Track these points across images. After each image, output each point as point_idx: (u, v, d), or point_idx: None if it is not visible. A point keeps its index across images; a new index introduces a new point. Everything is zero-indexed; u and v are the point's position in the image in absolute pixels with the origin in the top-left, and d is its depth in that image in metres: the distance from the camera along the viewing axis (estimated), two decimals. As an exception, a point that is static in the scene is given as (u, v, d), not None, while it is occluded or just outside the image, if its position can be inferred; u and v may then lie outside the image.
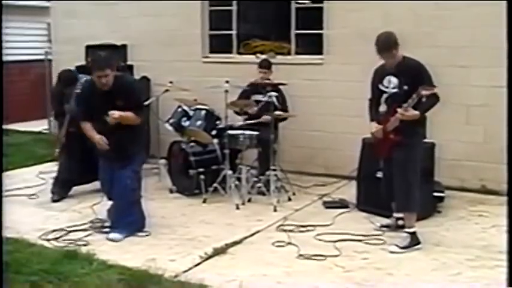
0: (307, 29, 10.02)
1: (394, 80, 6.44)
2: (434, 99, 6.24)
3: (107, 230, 7.01)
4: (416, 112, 6.23)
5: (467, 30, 8.59)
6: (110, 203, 7.24)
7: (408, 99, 6.17)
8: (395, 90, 6.44)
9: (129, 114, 6.70)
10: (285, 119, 8.84)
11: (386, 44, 6.36)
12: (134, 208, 6.99)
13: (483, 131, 8.55)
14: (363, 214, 7.73)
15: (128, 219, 6.93)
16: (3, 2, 15.37)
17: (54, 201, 8.38)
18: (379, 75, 6.61)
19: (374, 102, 6.74)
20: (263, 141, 8.43)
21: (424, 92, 6.06)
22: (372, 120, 6.77)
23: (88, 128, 6.90)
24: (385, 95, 6.55)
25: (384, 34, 6.43)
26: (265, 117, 8.57)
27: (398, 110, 6.25)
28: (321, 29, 9.78)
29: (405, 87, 6.32)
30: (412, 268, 5.99)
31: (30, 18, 16.67)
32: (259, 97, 8.79)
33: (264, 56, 9.99)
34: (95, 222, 7.31)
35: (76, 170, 8.49)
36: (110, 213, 7.17)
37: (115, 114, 6.63)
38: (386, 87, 6.51)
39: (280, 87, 8.77)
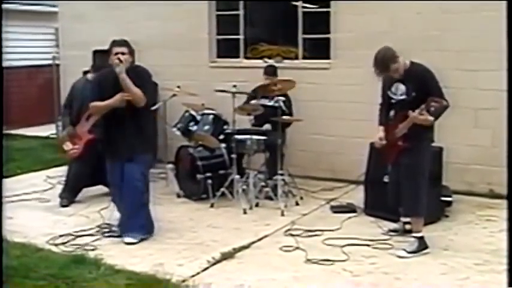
0: (314, 33, 10.03)
1: (401, 87, 6.43)
2: (443, 107, 6.20)
3: (116, 234, 7.03)
4: (431, 118, 6.19)
5: (474, 33, 8.58)
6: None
7: (416, 105, 6.15)
8: (403, 97, 6.43)
9: (136, 88, 6.72)
10: (290, 123, 8.84)
11: (383, 63, 6.32)
12: (144, 211, 7.00)
13: (491, 135, 8.52)
14: (371, 218, 7.71)
15: (139, 221, 6.94)
16: (12, 6, 15.50)
17: (63, 206, 8.39)
18: (388, 82, 6.59)
19: (384, 107, 6.74)
20: (270, 145, 8.43)
21: (433, 104, 6.03)
22: (380, 124, 6.76)
23: (99, 103, 6.88)
24: (393, 101, 6.54)
25: (380, 54, 6.37)
26: (266, 126, 8.66)
27: (411, 113, 6.21)
28: (328, 33, 9.78)
29: (413, 94, 6.31)
30: (420, 272, 5.97)
31: (38, 23, 16.73)
32: (266, 101, 8.79)
33: (271, 61, 10.00)
34: (102, 226, 7.32)
35: (85, 174, 8.50)
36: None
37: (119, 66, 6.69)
38: (395, 94, 6.50)
39: (287, 91, 8.77)
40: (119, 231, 7.05)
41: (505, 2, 5.49)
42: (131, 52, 6.90)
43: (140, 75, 6.91)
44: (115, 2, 11.62)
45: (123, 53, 6.76)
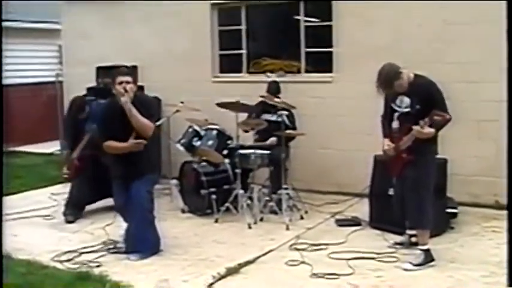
0: (316, 47, 10.04)
1: (406, 100, 6.42)
2: (446, 120, 6.20)
3: (121, 250, 7.02)
4: (432, 130, 6.19)
5: (476, 45, 8.60)
6: (125, 225, 7.24)
7: (420, 118, 6.15)
8: (407, 109, 6.42)
9: (143, 118, 6.69)
10: (293, 137, 8.84)
11: (386, 81, 6.31)
12: (150, 229, 6.99)
13: (495, 146, 8.50)
14: (376, 231, 7.70)
15: (146, 241, 6.93)
16: (16, 24, 15.54)
17: (68, 222, 8.40)
18: (391, 94, 6.59)
19: (386, 119, 6.73)
20: (274, 160, 8.43)
21: (436, 118, 6.03)
22: (385, 136, 6.75)
23: (114, 144, 6.83)
24: (397, 114, 6.54)
25: (383, 71, 6.35)
26: (271, 139, 8.68)
27: (414, 127, 6.22)
28: (331, 47, 9.80)
29: (417, 107, 6.31)
30: (426, 285, 5.96)
31: (41, 41, 16.78)
32: (269, 116, 8.80)
33: (273, 75, 10.01)
34: (107, 243, 7.31)
35: (88, 191, 8.54)
36: (126, 235, 7.17)
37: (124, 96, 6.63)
38: (399, 107, 6.49)
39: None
40: (124, 248, 7.04)
41: (504, 2, 5.49)
42: (135, 81, 6.85)
43: (145, 105, 6.87)
44: (118, 18, 11.68)
45: (127, 82, 6.68)
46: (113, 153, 6.93)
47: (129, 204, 6.89)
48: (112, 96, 6.87)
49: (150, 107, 7.02)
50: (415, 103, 6.34)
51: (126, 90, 6.62)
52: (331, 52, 9.82)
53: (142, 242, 6.91)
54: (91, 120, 8.31)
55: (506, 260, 4.68)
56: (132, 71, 6.95)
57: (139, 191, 6.84)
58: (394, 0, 9.11)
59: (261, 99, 8.93)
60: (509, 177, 5.06)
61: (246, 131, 8.93)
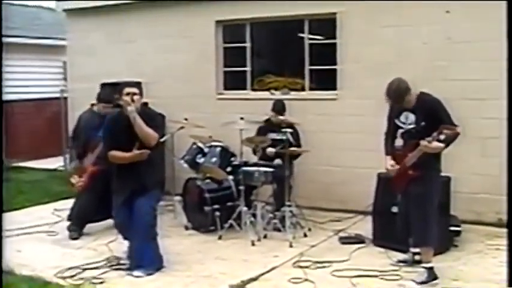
0: (320, 65, 10.07)
1: (411, 117, 6.44)
2: (456, 134, 6.20)
3: (124, 267, 7.00)
4: (441, 144, 6.20)
5: (480, 63, 8.62)
6: (126, 242, 7.24)
7: (425, 134, 6.16)
8: (412, 126, 6.43)
9: (148, 128, 6.75)
10: (298, 155, 8.86)
11: (398, 94, 6.33)
12: (153, 245, 6.99)
13: (499, 164, 8.49)
14: (380, 249, 7.67)
15: (149, 256, 6.93)
16: (21, 40, 15.64)
17: (73, 238, 8.38)
18: (396, 110, 6.60)
19: (390, 136, 6.74)
20: (278, 177, 8.42)
21: (445, 132, 6.03)
22: (387, 154, 6.75)
23: (118, 154, 6.87)
24: (401, 130, 6.55)
25: (393, 84, 6.37)
26: (269, 150, 8.70)
27: (422, 142, 6.22)
28: (335, 64, 9.82)
29: (422, 124, 6.32)
30: (430, 304, 5.94)
31: (46, 57, 16.88)
32: (274, 135, 8.82)
33: (278, 93, 10.04)
34: (110, 259, 7.30)
35: (94, 207, 8.50)
36: (129, 251, 7.16)
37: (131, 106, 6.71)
38: (404, 123, 6.50)
39: (294, 124, 8.80)
40: (127, 264, 7.03)
41: (505, 2, 5.51)
42: (142, 94, 6.93)
43: (151, 117, 6.96)
44: (123, 35, 11.74)
45: (134, 94, 6.80)
46: (118, 168, 6.94)
47: (133, 219, 6.87)
48: (120, 109, 6.95)
49: (155, 119, 7.13)
50: (421, 120, 6.34)
51: (132, 101, 6.72)
52: (335, 70, 9.84)
53: (146, 257, 6.90)
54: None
55: (506, 260, 4.66)
56: (139, 85, 7.02)
57: (143, 206, 6.84)
58: (397, 1, 9.16)
59: (266, 117, 8.97)
60: (509, 194, 5.07)
61: (255, 152, 8.91)
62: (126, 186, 6.91)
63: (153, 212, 6.98)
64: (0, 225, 6.34)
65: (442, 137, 6.08)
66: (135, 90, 6.83)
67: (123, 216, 6.99)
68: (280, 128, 8.58)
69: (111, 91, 9.70)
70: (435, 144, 6.18)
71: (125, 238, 7.23)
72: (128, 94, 6.78)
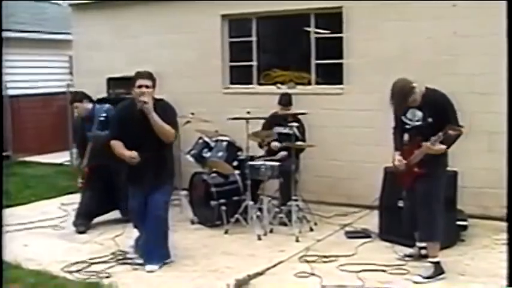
0: (327, 59, 10.05)
1: (418, 113, 6.40)
2: (460, 134, 6.18)
3: (130, 261, 7.02)
4: (443, 146, 6.19)
5: (486, 57, 8.57)
6: (135, 232, 7.25)
7: (432, 130, 6.13)
8: (419, 123, 6.41)
9: (166, 126, 6.71)
10: (303, 149, 8.85)
11: (402, 98, 6.27)
12: (166, 239, 7.02)
13: (505, 158, 8.48)
14: (386, 244, 7.67)
15: (162, 250, 6.96)
16: (26, 35, 15.70)
17: (79, 232, 8.40)
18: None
19: (398, 131, 6.72)
20: (284, 171, 8.42)
21: (451, 132, 6.02)
22: (396, 149, 6.74)
23: (118, 146, 6.81)
24: (408, 126, 6.52)
25: (397, 86, 6.31)
26: (281, 154, 8.72)
27: (424, 144, 6.21)
28: (341, 58, 9.80)
29: (429, 120, 6.29)
30: (436, 298, 5.94)
31: (52, 52, 16.89)
32: (280, 129, 8.81)
33: (284, 87, 10.02)
34: (117, 254, 7.31)
35: (99, 201, 8.55)
36: (138, 243, 7.17)
37: (144, 98, 6.61)
38: (410, 120, 6.47)
39: (300, 117, 8.79)
40: (138, 258, 7.04)
41: (505, 2, 5.48)
42: (155, 86, 6.81)
43: (166, 111, 6.86)
44: (129, 30, 11.74)
45: (147, 86, 6.67)
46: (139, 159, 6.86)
47: (147, 213, 6.88)
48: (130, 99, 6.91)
49: (170, 112, 6.95)
50: (427, 116, 6.32)
51: (143, 93, 6.61)
52: (341, 64, 9.82)
53: (158, 252, 6.93)
54: (97, 124, 8.34)
55: (507, 259, 4.65)
56: (152, 76, 6.82)
57: (158, 201, 6.86)
58: (402, 0, 9.15)
59: (273, 111, 8.97)
60: (509, 189, 5.03)
61: (261, 146, 8.93)
62: (140, 181, 6.87)
63: (166, 206, 7.02)
64: (0, 220, 6.36)
65: (448, 135, 6.06)
66: (147, 82, 6.68)
67: (137, 203, 6.98)
68: (287, 122, 8.57)
69: (117, 86, 9.80)
70: (438, 146, 6.18)
71: (135, 227, 7.24)
72: (140, 86, 6.66)
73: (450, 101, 6.35)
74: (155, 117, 6.61)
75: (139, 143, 6.72)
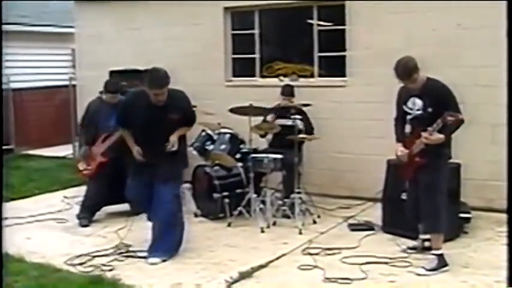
0: (329, 51, 10.03)
1: (418, 102, 6.40)
2: (459, 122, 6.17)
3: (134, 255, 7.03)
4: (441, 136, 6.17)
5: (490, 49, 8.54)
6: (138, 226, 7.26)
7: (433, 120, 6.12)
8: (419, 112, 6.39)
9: (181, 131, 6.91)
10: (304, 141, 8.82)
11: (405, 70, 6.29)
12: (175, 232, 7.03)
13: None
14: (389, 236, 7.67)
15: (167, 244, 6.97)
16: (29, 28, 15.68)
17: (83, 226, 8.40)
18: (403, 96, 6.57)
19: (400, 122, 6.71)
20: (287, 164, 8.40)
21: (449, 118, 6.00)
22: (398, 140, 6.73)
23: (128, 136, 6.96)
24: (409, 116, 6.52)
25: (402, 60, 6.36)
26: (269, 117, 8.81)
27: (423, 134, 6.21)
28: (344, 50, 9.78)
29: (430, 109, 6.28)
30: (440, 291, 5.93)
31: (54, 45, 16.85)
32: (283, 121, 8.79)
33: (286, 79, 10.00)
34: (120, 247, 7.31)
35: (103, 194, 8.54)
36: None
37: (174, 146, 6.77)
38: (411, 109, 6.47)
39: (304, 109, 8.77)
40: (140, 251, 7.05)
41: (505, 2, 5.47)
42: (169, 84, 6.81)
43: (181, 104, 6.97)
44: (131, 23, 11.72)
45: (163, 94, 6.70)
46: (148, 151, 6.87)
47: (154, 206, 6.94)
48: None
49: (185, 105, 7.07)
50: (428, 105, 6.31)
51: (159, 101, 6.67)
52: (344, 56, 9.81)
53: (165, 245, 6.95)
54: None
55: (507, 259, 4.65)
56: (167, 78, 6.76)
57: (167, 194, 6.88)
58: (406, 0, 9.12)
59: (276, 103, 8.96)
60: (509, 181, 5.02)
61: (262, 136, 8.93)
62: (150, 172, 6.87)
63: (176, 200, 7.04)
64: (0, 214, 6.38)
65: (448, 122, 6.04)
66: (163, 90, 6.67)
67: (141, 195, 7.05)
68: (290, 113, 8.55)
69: (120, 79, 9.73)
70: (436, 136, 6.16)
71: (149, 219, 7.27)
72: (156, 95, 6.68)
73: (451, 92, 6.34)
74: (175, 137, 6.81)
75: (150, 135, 6.79)
